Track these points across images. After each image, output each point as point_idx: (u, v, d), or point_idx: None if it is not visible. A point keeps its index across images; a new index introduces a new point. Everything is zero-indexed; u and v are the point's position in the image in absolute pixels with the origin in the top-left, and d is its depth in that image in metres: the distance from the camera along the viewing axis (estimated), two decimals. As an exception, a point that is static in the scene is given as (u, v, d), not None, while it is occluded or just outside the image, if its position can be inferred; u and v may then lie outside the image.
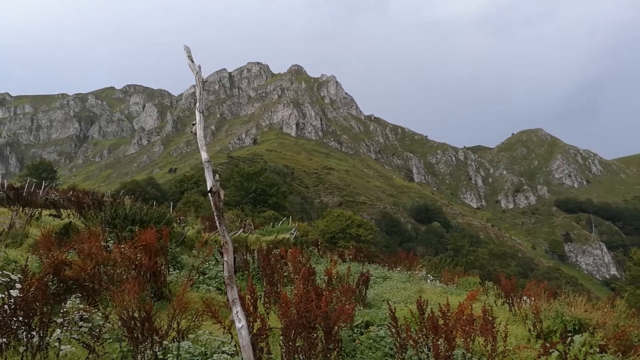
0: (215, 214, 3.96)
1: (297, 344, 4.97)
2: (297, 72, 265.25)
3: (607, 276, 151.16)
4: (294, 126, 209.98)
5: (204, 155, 4.21)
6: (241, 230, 21.23)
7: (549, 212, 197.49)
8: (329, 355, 5.08)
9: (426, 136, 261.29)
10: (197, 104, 4.61)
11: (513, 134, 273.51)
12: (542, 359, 4.63)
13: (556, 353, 6.13)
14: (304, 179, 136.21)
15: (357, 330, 7.46)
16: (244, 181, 62.52)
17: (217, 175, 4.00)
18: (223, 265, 4.03)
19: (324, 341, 5.02)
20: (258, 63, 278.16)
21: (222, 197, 3.96)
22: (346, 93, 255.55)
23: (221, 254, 12.15)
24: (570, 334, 8.35)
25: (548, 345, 4.79)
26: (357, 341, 6.76)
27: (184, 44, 4.72)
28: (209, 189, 3.90)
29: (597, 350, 7.56)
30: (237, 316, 3.78)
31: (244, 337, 3.77)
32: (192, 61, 4.69)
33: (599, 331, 8.39)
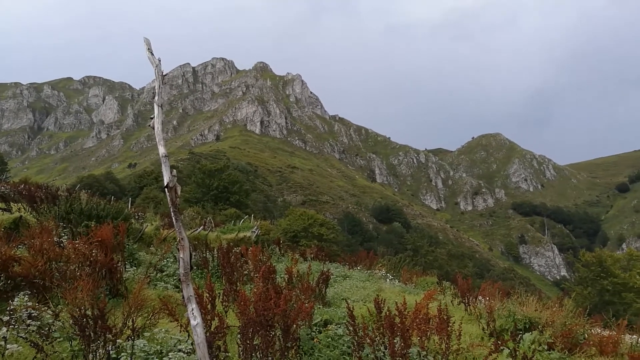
0: (171, 209, 3.89)
1: (254, 343, 4.95)
2: (262, 69, 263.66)
3: (558, 277, 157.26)
4: (258, 123, 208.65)
5: (162, 150, 4.13)
6: (201, 227, 20.95)
7: (505, 215, 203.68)
8: (286, 353, 5.08)
9: (389, 138, 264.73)
10: (156, 98, 4.51)
11: (473, 137, 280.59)
12: (493, 356, 4.78)
13: (506, 350, 6.35)
14: (267, 177, 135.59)
15: (316, 329, 7.49)
16: (205, 178, 61.64)
17: (174, 170, 3.93)
18: (179, 262, 3.97)
19: (281, 340, 5.02)
20: (223, 59, 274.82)
21: (178, 193, 3.89)
22: (311, 92, 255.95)
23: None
24: (521, 332, 8.66)
25: (499, 343, 4.94)
26: (315, 340, 6.78)
27: (144, 37, 4.61)
28: (165, 184, 3.83)
29: (545, 347, 7.87)
30: (193, 313, 3.73)
31: (199, 335, 3.73)
32: (152, 54, 4.59)
33: (548, 329, 8.72)
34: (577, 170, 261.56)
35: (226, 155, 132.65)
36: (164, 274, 10.70)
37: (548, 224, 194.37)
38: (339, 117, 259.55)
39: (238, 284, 9.18)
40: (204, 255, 11.87)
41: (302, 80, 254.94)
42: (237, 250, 12.72)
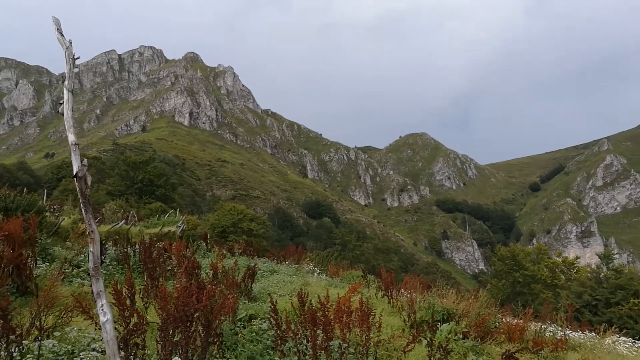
0: (81, 200, 3.68)
1: (175, 339, 4.82)
2: (193, 59, 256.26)
3: (477, 270, 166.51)
4: (187, 115, 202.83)
5: (71, 138, 3.89)
6: (123, 221, 20.07)
7: (429, 211, 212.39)
8: (208, 349, 4.99)
9: (321, 134, 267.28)
10: (66, 82, 4.24)
11: (400, 136, 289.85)
12: (411, 346, 4.97)
13: (425, 341, 6.62)
14: (195, 171, 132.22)
15: (241, 324, 7.43)
16: (129, 170, 59.04)
17: (85, 160, 3.71)
18: (88, 256, 3.77)
19: (203, 335, 4.92)
20: (151, 47, 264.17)
21: (89, 183, 3.69)
22: (243, 85, 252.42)
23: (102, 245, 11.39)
24: (439, 323, 9.08)
25: (417, 333, 5.14)
26: (239, 335, 6.72)
27: (54, 16, 4.31)
28: (74, 173, 3.61)
29: (461, 337, 8.30)
30: (102, 310, 3.56)
31: (108, 332, 3.56)
32: (62, 35, 4.30)
33: (464, 320, 9.20)
34: (496, 170, 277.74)
35: (152, 147, 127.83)
36: (80, 269, 10.14)
37: (469, 220, 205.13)
38: (272, 112, 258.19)
39: (160, 279, 8.90)
40: (125, 250, 11.39)
41: (234, 73, 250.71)
42: (161, 245, 12.31)
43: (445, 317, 9.52)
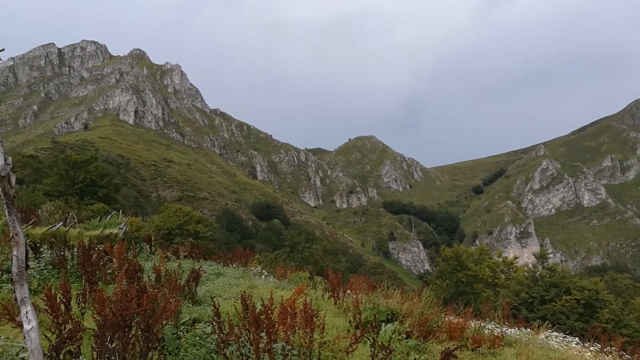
0: (4, 201, 3.47)
1: (112, 345, 4.64)
2: (138, 56, 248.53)
3: (422, 271, 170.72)
4: (132, 113, 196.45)
5: (-6, 135, 3.67)
6: (60, 223, 19.16)
7: (377, 213, 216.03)
8: (147, 355, 4.84)
9: (271, 135, 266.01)
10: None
11: (350, 139, 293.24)
12: (354, 346, 5.02)
13: (368, 341, 6.71)
14: (140, 171, 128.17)
15: (184, 328, 7.27)
16: (70, 170, 56.46)
17: (9, 158, 3.49)
18: (12, 260, 3.57)
19: (142, 341, 4.77)
20: (94, 42, 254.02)
21: (12, 182, 3.47)
22: (191, 84, 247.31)
23: (33, 249, 10.80)
24: (383, 323, 9.23)
25: (359, 334, 5.20)
26: (182, 339, 6.58)
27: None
28: (-4, 173, 3.39)
29: (404, 336, 8.48)
30: (27, 317, 3.37)
31: (33, 340, 3.38)
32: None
33: (408, 319, 9.39)
34: (441, 173, 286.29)
35: (95, 146, 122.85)
36: (10, 274, 9.60)
37: (415, 222, 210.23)
38: (220, 112, 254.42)
39: (100, 283, 8.56)
40: (62, 253, 10.87)
41: (182, 71, 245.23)
42: (101, 248, 11.85)
43: (389, 317, 9.68)
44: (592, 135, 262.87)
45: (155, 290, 7.57)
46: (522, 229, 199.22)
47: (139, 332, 4.86)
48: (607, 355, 9.16)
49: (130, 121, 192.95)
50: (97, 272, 8.89)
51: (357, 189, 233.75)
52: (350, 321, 9.30)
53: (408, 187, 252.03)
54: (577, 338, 11.41)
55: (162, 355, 5.51)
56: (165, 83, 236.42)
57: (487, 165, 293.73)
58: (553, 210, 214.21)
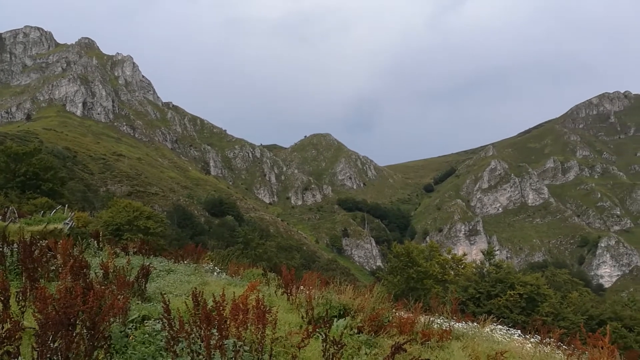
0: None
1: (55, 345, 4.47)
2: (87, 46, 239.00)
3: (374, 267, 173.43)
4: (80, 105, 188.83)
5: None
6: None
7: (331, 210, 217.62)
8: (93, 354, 4.69)
9: (225, 130, 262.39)
10: None
11: (305, 136, 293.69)
12: (306, 342, 5.05)
13: (320, 336, 6.76)
14: (88, 165, 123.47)
15: (132, 326, 7.09)
16: (11, 162, 53.77)
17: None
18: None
19: (87, 339, 4.61)
20: (39, 28, 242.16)
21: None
22: (143, 76, 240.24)
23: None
24: (336, 319, 9.33)
25: (312, 329, 5.24)
26: (130, 337, 6.41)
27: None
28: None
29: (356, 331, 8.60)
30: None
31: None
32: None
33: (359, 315, 9.53)
34: (394, 171, 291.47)
35: (39, 138, 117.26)
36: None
37: (368, 219, 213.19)
38: (173, 105, 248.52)
39: (42, 281, 8.20)
40: (0, 249, 10.34)
41: (134, 63, 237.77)
42: (44, 244, 11.35)
43: (342, 313, 9.79)
44: (537, 138, 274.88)
45: (103, 287, 7.34)
46: (470, 227, 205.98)
47: (84, 331, 4.70)
48: (546, 347, 9.63)
49: (78, 113, 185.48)
50: (39, 269, 8.51)
51: (312, 186, 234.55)
52: (303, 317, 9.33)
53: (362, 185, 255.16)
54: (519, 331, 11.95)
55: (108, 354, 5.34)
56: (116, 74, 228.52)
57: (438, 165, 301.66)
58: (500, 209, 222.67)
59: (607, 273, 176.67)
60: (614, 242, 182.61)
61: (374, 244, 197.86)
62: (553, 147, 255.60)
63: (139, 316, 7.56)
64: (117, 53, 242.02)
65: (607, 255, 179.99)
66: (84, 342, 4.59)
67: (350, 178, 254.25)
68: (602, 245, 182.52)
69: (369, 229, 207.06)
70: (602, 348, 7.22)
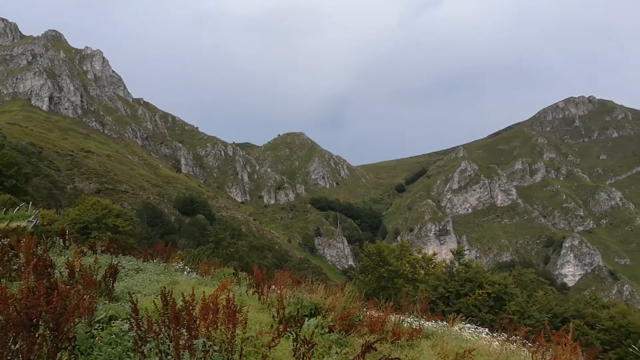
0: None
1: (16, 346, 4.32)
2: (55, 38, 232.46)
3: (346, 266, 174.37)
4: (46, 99, 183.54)
5: None
6: (-39, 215, 17.53)
7: (304, 209, 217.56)
8: (57, 356, 4.56)
9: (197, 128, 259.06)
10: None
11: (279, 135, 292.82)
12: (276, 341, 5.03)
13: (290, 335, 6.74)
14: (55, 161, 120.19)
15: (99, 326, 6.93)
16: (-29, 157, 51.94)
17: None
18: None
19: (50, 340, 4.48)
20: (3, 19, 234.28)
21: None
22: (113, 71, 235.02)
23: None
24: (307, 318, 9.32)
25: (282, 328, 5.22)
26: (96, 338, 6.26)
27: None
28: None
29: (327, 330, 8.61)
30: None
31: None
32: None
33: (331, 314, 9.55)
34: (366, 171, 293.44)
35: (1, 132, 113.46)
36: None
37: (340, 218, 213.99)
38: (144, 101, 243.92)
39: (3, 280, 7.94)
40: (-40, 248, 9.97)
41: (104, 57, 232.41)
42: (6, 242, 10.99)
43: (313, 312, 9.79)
44: (506, 140, 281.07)
45: (68, 287, 7.14)
46: (441, 227, 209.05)
47: (47, 332, 4.57)
48: (512, 344, 9.85)
49: (44, 107, 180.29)
50: (1, 268, 8.24)
51: (285, 185, 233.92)
52: (274, 316, 9.29)
53: (335, 185, 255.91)
54: (487, 329, 12.18)
55: (73, 356, 5.20)
56: (85, 69, 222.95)
57: (409, 165, 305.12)
58: (470, 209, 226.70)
59: (570, 272, 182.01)
60: (577, 242, 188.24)
61: (346, 243, 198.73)
62: (521, 149, 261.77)
63: (106, 316, 7.39)
64: (86, 47, 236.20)
65: (571, 255, 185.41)
66: (47, 344, 4.46)
67: (323, 177, 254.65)
68: (566, 245, 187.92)
69: (341, 228, 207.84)
70: (565, 345, 7.42)
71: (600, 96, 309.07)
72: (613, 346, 28.24)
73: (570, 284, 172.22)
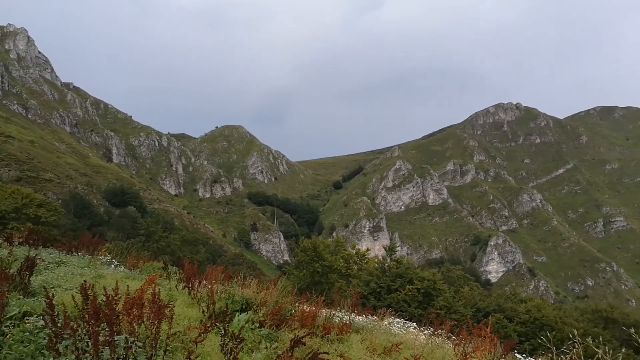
0: None
1: None
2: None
3: (282, 261, 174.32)
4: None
5: None
6: None
7: (241, 204, 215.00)
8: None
9: (131, 116, 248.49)
10: None
11: (217, 127, 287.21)
12: (203, 336, 4.92)
13: (219, 331, 6.63)
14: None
15: (11, 323, 6.49)
16: None
17: None
18: None
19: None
20: None
21: None
22: (40, 52, 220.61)
23: None
24: (238, 313, 9.22)
25: (210, 324, 5.12)
26: (7, 335, 5.86)
27: None
28: None
29: (257, 325, 8.56)
30: None
31: None
32: None
33: (262, 308, 9.50)
34: (305, 167, 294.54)
35: None
36: None
37: (277, 214, 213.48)
38: (74, 86, 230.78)
39: None
40: None
41: (29, 37, 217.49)
42: None
43: (244, 307, 9.71)
44: (439, 141, 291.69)
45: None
46: (375, 223, 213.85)
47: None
48: (438, 337, 10.25)
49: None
50: None
51: (222, 178, 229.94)
52: (204, 311, 9.12)
53: (273, 179, 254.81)
54: (415, 323, 12.61)
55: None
56: (6, 47, 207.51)
57: (347, 163, 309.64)
58: (403, 207, 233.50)
59: (494, 269, 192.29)
60: (501, 241, 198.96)
61: (282, 238, 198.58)
62: (454, 151, 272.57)
63: (19, 312, 6.95)
64: (9, 24, 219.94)
65: (495, 253, 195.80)
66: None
67: (261, 172, 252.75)
68: (492, 243, 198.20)
69: (278, 223, 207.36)
70: (484, 337, 7.81)
71: (527, 103, 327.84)
72: (528, 337, 30.06)
73: (493, 280, 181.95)
